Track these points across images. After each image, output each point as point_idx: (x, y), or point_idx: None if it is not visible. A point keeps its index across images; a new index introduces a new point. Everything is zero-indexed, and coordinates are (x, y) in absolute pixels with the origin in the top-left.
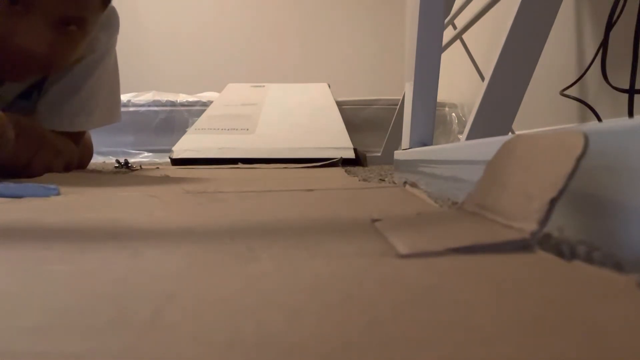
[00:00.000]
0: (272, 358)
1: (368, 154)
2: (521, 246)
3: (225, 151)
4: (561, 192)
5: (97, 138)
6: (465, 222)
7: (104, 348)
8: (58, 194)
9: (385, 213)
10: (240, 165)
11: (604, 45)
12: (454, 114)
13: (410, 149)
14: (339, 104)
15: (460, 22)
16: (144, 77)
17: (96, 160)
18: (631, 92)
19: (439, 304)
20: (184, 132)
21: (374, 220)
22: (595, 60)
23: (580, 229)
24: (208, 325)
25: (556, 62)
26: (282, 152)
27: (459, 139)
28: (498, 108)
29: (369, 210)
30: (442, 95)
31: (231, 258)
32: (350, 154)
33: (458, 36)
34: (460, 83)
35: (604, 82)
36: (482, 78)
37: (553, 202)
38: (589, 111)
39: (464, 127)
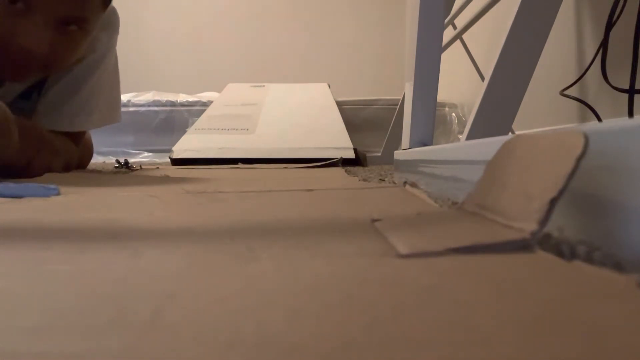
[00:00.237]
0: (272, 358)
1: (368, 154)
2: (521, 246)
3: (225, 151)
4: (561, 192)
5: (97, 138)
6: (465, 222)
7: (104, 348)
8: (58, 194)
9: (385, 213)
10: (240, 165)
11: (604, 45)
12: (454, 114)
13: (410, 149)
14: (339, 104)
15: (460, 22)
16: (144, 77)
17: (96, 160)
18: (631, 92)
19: (439, 304)
20: (184, 132)
21: (374, 220)
22: (595, 60)
23: (580, 229)
24: (208, 325)
25: (556, 62)
26: (282, 152)
27: (459, 139)
28: (498, 108)
29: (369, 210)
30: (442, 95)
31: (231, 258)
32: (350, 154)
33: (458, 36)
34: (460, 83)
35: (604, 82)
36: (482, 78)
37: (553, 202)
38: (589, 111)
39: (464, 127)
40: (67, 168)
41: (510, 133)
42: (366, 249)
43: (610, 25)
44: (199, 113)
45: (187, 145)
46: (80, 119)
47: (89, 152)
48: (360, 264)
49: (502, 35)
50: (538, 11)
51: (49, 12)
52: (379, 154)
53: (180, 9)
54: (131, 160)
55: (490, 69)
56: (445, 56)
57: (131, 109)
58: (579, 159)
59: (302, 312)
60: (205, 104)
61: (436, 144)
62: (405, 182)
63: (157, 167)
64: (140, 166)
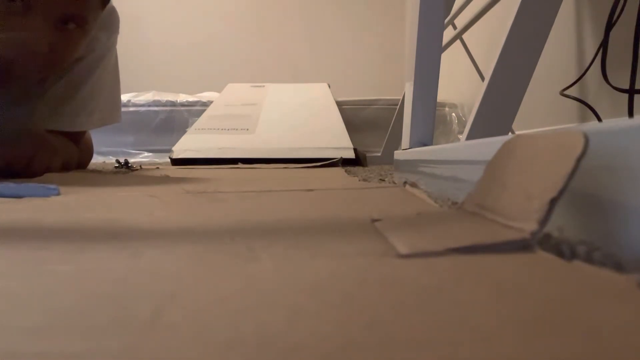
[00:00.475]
0: (272, 358)
1: (368, 154)
2: (521, 246)
3: (225, 151)
4: (561, 192)
5: (97, 138)
6: (465, 222)
7: (104, 348)
8: (58, 194)
9: (385, 213)
10: (240, 165)
11: (604, 45)
12: (454, 114)
13: (410, 149)
14: (339, 104)
15: (460, 22)
16: (144, 77)
17: (96, 160)
18: (631, 92)
19: (439, 304)
20: (184, 132)
21: (374, 220)
22: (595, 60)
23: (580, 229)
24: (208, 325)
25: (556, 62)
26: (282, 152)
27: (459, 139)
28: (498, 108)
29: (369, 210)
30: (442, 95)
31: (231, 258)
32: (350, 154)
33: (458, 36)
34: (460, 83)
35: (604, 82)
36: (482, 78)
37: (553, 202)
38: (589, 111)
39: (464, 127)
40: (67, 168)
41: (510, 133)
42: (366, 249)
43: (610, 25)
44: (199, 113)
45: (187, 145)
46: (81, 119)
47: (89, 152)
48: (360, 264)
49: (502, 35)
50: (538, 11)
51: (48, 11)
52: (379, 154)
53: (180, 9)
54: (131, 160)
55: (490, 69)
56: (445, 56)
57: (131, 109)
58: (579, 159)
59: (302, 312)
60: (205, 104)
61: (436, 144)
62: (405, 182)
63: (157, 167)
64: (140, 166)
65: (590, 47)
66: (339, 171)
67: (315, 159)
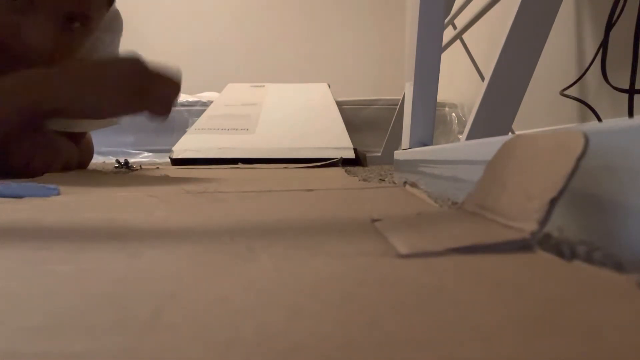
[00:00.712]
0: (272, 358)
1: (368, 154)
2: (521, 246)
3: (225, 151)
4: (561, 192)
5: (97, 138)
6: (465, 222)
7: (104, 348)
8: (58, 194)
9: (385, 213)
10: (240, 165)
11: (604, 45)
12: (454, 114)
13: (410, 149)
14: (339, 104)
15: (460, 22)
16: None
17: (96, 160)
18: (631, 92)
19: (439, 304)
20: (184, 132)
21: (374, 220)
22: (595, 60)
23: (580, 229)
24: (208, 325)
25: (556, 62)
26: (282, 152)
27: (459, 139)
28: (498, 108)
29: (369, 210)
30: (442, 95)
31: (231, 258)
32: (350, 154)
33: (458, 36)
34: (460, 83)
35: (604, 82)
36: (482, 78)
37: (553, 202)
38: (589, 111)
39: (464, 127)
40: (67, 168)
41: (510, 133)
42: (366, 249)
43: (610, 25)
44: (199, 113)
45: (187, 145)
46: (82, 121)
47: (89, 152)
48: (360, 264)
49: (502, 35)
50: (538, 11)
51: (52, 8)
52: (379, 154)
53: (180, 9)
54: (131, 160)
55: (490, 69)
56: (445, 56)
57: None
58: (579, 159)
59: (302, 312)
60: (205, 104)
61: (436, 144)
62: (405, 182)
63: (157, 167)
64: (140, 166)
65: (590, 47)
66: (339, 171)
67: (315, 159)
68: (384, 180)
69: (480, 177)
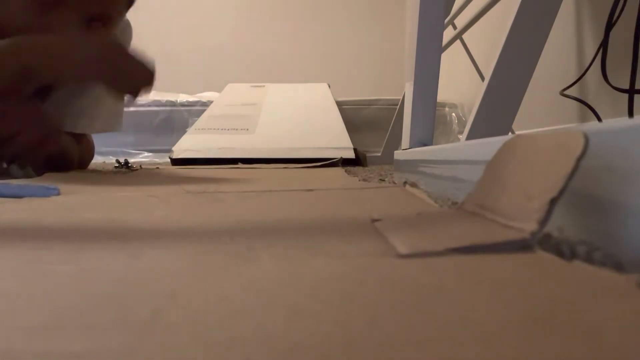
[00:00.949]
0: (272, 358)
1: (368, 154)
2: (521, 246)
3: (225, 151)
4: (561, 192)
5: (97, 138)
6: (465, 222)
7: (104, 348)
8: (58, 194)
9: (385, 213)
10: (240, 165)
11: (604, 45)
12: (454, 114)
13: (410, 149)
14: (339, 104)
15: (460, 22)
16: None
17: (96, 160)
18: (631, 92)
19: (438, 304)
20: (184, 132)
21: (374, 220)
22: (595, 60)
23: (580, 229)
24: (208, 325)
25: (556, 62)
26: (282, 152)
27: (459, 139)
28: (498, 108)
29: (369, 210)
30: (442, 95)
31: (231, 258)
32: (350, 154)
33: (458, 36)
34: (460, 83)
35: (604, 82)
36: (482, 78)
37: (553, 202)
38: (589, 111)
39: (464, 127)
40: (67, 161)
41: (510, 133)
42: (366, 249)
43: (610, 25)
44: (199, 113)
45: (187, 145)
46: (84, 122)
47: (89, 152)
48: (360, 264)
49: (502, 35)
50: (538, 11)
51: (74, 8)
52: (379, 154)
53: (180, 9)
54: (131, 160)
55: (490, 69)
56: (445, 56)
57: (131, 109)
58: (579, 159)
59: (302, 311)
60: (205, 104)
61: (436, 144)
62: (405, 182)
63: (157, 167)
64: (140, 166)
65: (590, 47)
66: (339, 171)
67: (315, 159)
68: (384, 180)
69: (480, 177)
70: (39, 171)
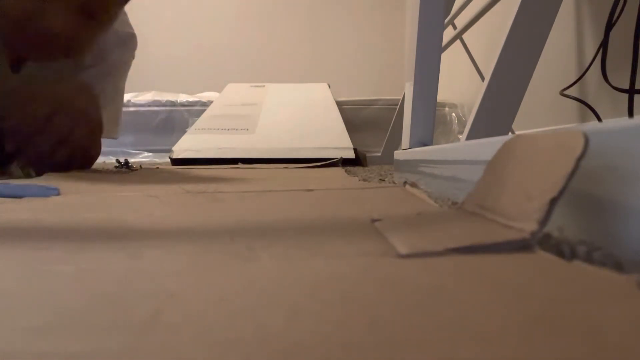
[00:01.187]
0: (272, 358)
1: (368, 154)
2: (521, 246)
3: (225, 151)
4: (561, 192)
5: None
6: (465, 222)
7: (104, 348)
8: (58, 194)
9: (385, 213)
10: (240, 165)
11: (604, 45)
12: (454, 114)
13: (410, 149)
14: (339, 104)
15: (460, 22)
16: (144, 77)
17: (96, 160)
18: (631, 92)
19: (439, 304)
20: (184, 132)
21: (374, 220)
22: (595, 60)
23: (580, 229)
24: (208, 325)
25: (556, 62)
26: (282, 152)
27: (459, 139)
28: (498, 108)
29: (369, 210)
30: (442, 95)
31: (231, 258)
32: (350, 154)
33: (458, 36)
34: (460, 83)
35: (604, 82)
36: (482, 78)
37: (553, 202)
38: (589, 111)
39: (464, 127)
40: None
41: (510, 133)
42: (366, 249)
43: (610, 25)
44: (199, 113)
45: (187, 145)
46: None
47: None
48: (360, 264)
49: (502, 35)
50: (538, 11)
51: None
52: (379, 154)
53: (180, 9)
54: (131, 160)
55: (490, 69)
56: (445, 56)
57: (131, 109)
58: (579, 159)
59: (302, 312)
60: (205, 104)
61: (436, 144)
62: (405, 182)
63: (157, 167)
64: (140, 166)
65: (590, 47)
66: (339, 171)
67: (315, 159)
68: (384, 180)
69: (480, 177)
70: (49, 170)
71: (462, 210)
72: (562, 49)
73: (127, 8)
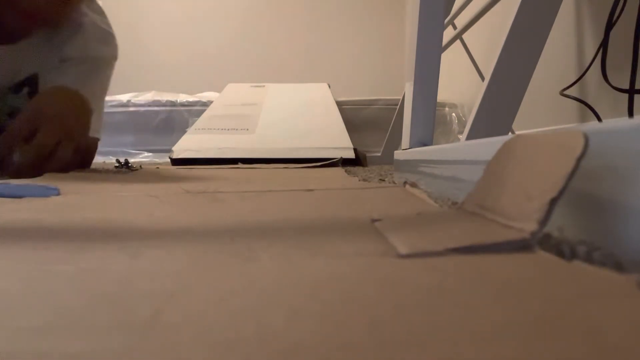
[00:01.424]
0: (272, 358)
1: (368, 154)
2: (521, 246)
3: (225, 151)
4: (561, 192)
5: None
6: (465, 222)
7: (104, 348)
8: (58, 194)
9: (385, 213)
10: (240, 165)
11: (604, 45)
12: (454, 114)
13: (410, 149)
14: (339, 104)
15: (460, 22)
16: (144, 77)
17: (96, 160)
18: (631, 92)
19: (439, 304)
20: (184, 132)
21: (374, 220)
22: (595, 60)
23: (580, 229)
24: (208, 325)
25: (556, 62)
26: (282, 152)
27: (459, 139)
28: (498, 108)
29: (369, 210)
30: (442, 95)
31: (231, 258)
32: (350, 154)
33: (458, 36)
34: (460, 83)
35: (604, 82)
36: (482, 78)
37: (553, 202)
38: (589, 111)
39: (464, 127)
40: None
41: (510, 133)
42: (366, 249)
43: (610, 25)
44: (199, 113)
45: (187, 145)
46: None
47: (91, 153)
48: (360, 264)
49: (502, 35)
50: (538, 11)
51: None
52: (379, 154)
53: (180, 9)
54: (131, 160)
55: (490, 69)
56: (445, 56)
57: (131, 109)
58: (579, 159)
59: (302, 311)
60: (205, 104)
61: (436, 144)
62: (405, 182)
63: (157, 167)
64: (140, 166)
65: (590, 47)
66: (339, 171)
67: (315, 159)
68: (384, 180)
69: (480, 177)
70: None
71: (462, 210)
72: (562, 49)
73: (127, 8)
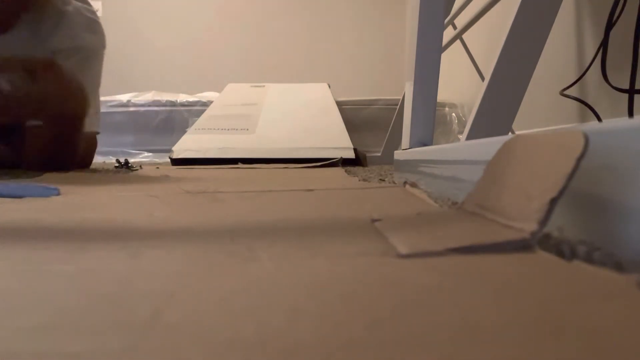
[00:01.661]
0: (273, 358)
1: (368, 154)
2: (521, 246)
3: (225, 151)
4: (561, 192)
5: (97, 138)
6: (465, 222)
7: (104, 348)
8: (58, 194)
9: (385, 213)
10: (240, 165)
11: (604, 45)
12: (454, 114)
13: (410, 149)
14: (339, 104)
15: (460, 22)
16: (144, 77)
17: (96, 160)
18: (631, 92)
19: (439, 304)
20: (184, 132)
21: (374, 220)
22: (595, 60)
23: (580, 229)
24: (208, 325)
25: (556, 62)
26: (282, 152)
27: (459, 139)
28: (498, 108)
29: (369, 210)
30: (442, 95)
31: (231, 258)
32: (350, 154)
33: (458, 36)
34: (460, 83)
35: (604, 82)
36: (482, 78)
37: (553, 202)
38: (589, 111)
39: (464, 127)
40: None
41: (510, 133)
42: (366, 249)
43: (610, 25)
44: (199, 113)
45: (187, 145)
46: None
47: (92, 151)
48: (360, 264)
49: (502, 35)
50: (538, 11)
51: None
52: (379, 154)
53: (180, 9)
54: (131, 160)
55: (490, 69)
56: (445, 56)
57: (131, 109)
58: (579, 159)
59: (302, 312)
60: (205, 104)
61: (436, 144)
62: (405, 182)
63: (157, 167)
64: (140, 166)
65: (590, 47)
66: (339, 171)
67: (315, 159)
68: (384, 180)
69: (480, 177)
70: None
71: (462, 210)
72: (562, 49)
73: (127, 8)
